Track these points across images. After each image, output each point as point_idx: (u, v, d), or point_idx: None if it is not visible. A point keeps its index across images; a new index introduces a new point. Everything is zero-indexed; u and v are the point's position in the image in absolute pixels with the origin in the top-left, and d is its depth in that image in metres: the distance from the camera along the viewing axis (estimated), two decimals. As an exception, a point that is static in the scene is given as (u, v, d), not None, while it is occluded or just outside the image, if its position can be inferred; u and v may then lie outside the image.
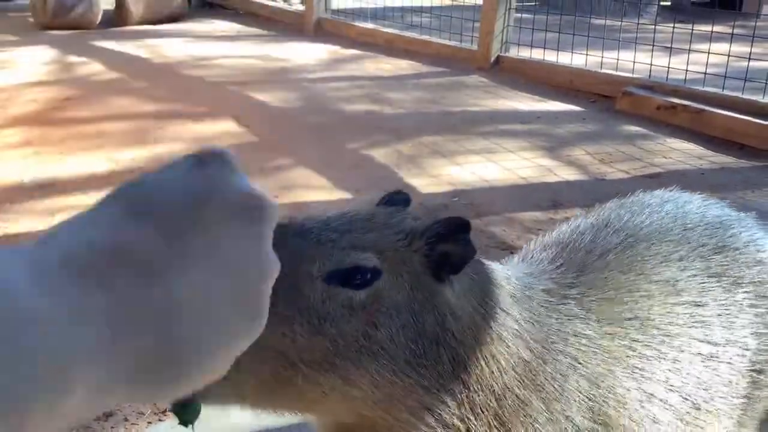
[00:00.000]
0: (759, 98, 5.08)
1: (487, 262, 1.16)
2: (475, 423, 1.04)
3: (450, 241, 1.00)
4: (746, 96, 5.13)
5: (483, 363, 1.04)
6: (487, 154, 4.72)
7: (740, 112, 4.95)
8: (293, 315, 0.91)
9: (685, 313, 1.29)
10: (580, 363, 1.14)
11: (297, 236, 0.96)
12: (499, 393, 1.05)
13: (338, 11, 9.26)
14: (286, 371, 0.92)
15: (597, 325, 1.20)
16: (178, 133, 5.11)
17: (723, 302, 1.33)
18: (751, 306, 1.36)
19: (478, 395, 1.03)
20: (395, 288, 0.98)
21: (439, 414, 1.01)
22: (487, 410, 1.05)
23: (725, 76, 5.25)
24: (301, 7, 9.62)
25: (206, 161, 0.62)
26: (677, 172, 4.37)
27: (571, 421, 1.12)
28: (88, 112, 5.58)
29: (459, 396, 1.02)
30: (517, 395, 1.07)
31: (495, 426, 1.05)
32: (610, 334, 1.20)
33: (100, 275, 0.50)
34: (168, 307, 0.52)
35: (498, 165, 4.51)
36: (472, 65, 7.05)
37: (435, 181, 4.27)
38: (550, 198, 4.01)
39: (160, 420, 2.32)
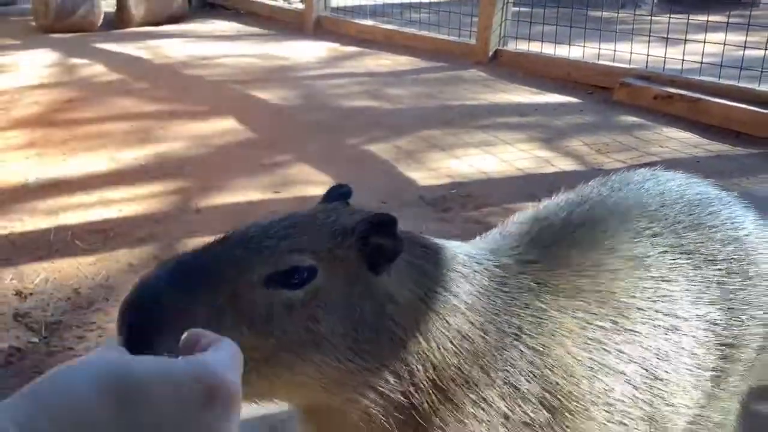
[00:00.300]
0: (755, 86, 5.10)
1: (439, 243, 1.24)
2: (418, 396, 1.12)
3: (380, 235, 1.08)
4: (742, 84, 5.16)
5: (421, 340, 1.12)
6: (485, 147, 4.76)
7: (736, 101, 4.98)
8: (237, 319, 1.01)
9: (651, 288, 1.33)
10: (525, 333, 1.20)
11: (237, 247, 1.06)
12: (439, 366, 1.13)
13: (338, 9, 9.31)
14: None
15: (551, 298, 1.25)
16: (179, 132, 5.17)
17: (692, 278, 1.37)
18: (723, 282, 1.40)
19: (419, 370, 1.12)
20: (332, 284, 1.07)
21: (383, 391, 1.11)
22: (427, 382, 1.13)
23: (721, 65, 5.27)
24: (300, 6, 9.67)
25: (214, 402, 0.64)
26: (673, 161, 4.40)
27: (515, 388, 1.17)
28: (90, 113, 5.64)
29: (400, 373, 1.11)
30: (456, 366, 1.14)
31: (436, 396, 1.13)
32: (564, 306, 1.26)
33: None
34: None
35: (496, 157, 4.55)
36: (471, 59, 7.09)
37: (434, 174, 4.32)
38: (547, 189, 4.02)
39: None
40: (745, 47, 5.20)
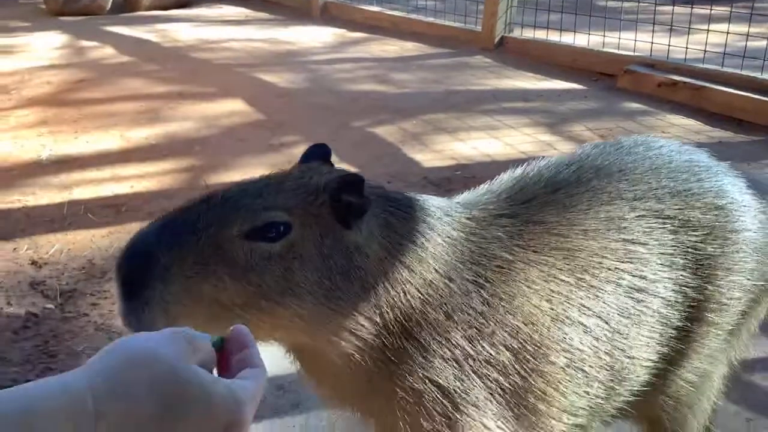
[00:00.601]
0: (757, 75, 5.15)
1: (410, 197, 1.35)
2: (389, 338, 1.25)
3: (349, 193, 1.21)
4: (745, 73, 5.21)
5: (389, 287, 1.24)
6: (489, 131, 4.83)
7: (739, 89, 5.03)
8: (222, 269, 1.15)
9: (621, 249, 1.40)
10: (489, 282, 1.31)
11: (218, 206, 1.20)
12: (406, 311, 1.25)
13: (345, -5, 9.36)
14: (223, 312, 1.16)
15: (519, 250, 1.35)
16: (188, 113, 5.25)
17: (666, 242, 1.43)
18: (699, 248, 1.45)
19: (389, 314, 1.24)
20: (305, 237, 1.20)
21: (357, 334, 1.23)
22: (396, 326, 1.25)
23: (724, 54, 5.33)
24: (308, -8, 9.72)
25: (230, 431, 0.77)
26: (675, 146, 4.46)
27: (478, 330, 1.28)
28: (100, 93, 5.73)
29: (372, 317, 1.23)
30: (421, 311, 1.26)
31: (405, 338, 1.25)
32: (531, 259, 1.35)
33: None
34: None
35: (499, 141, 4.63)
36: (477, 46, 7.14)
37: (438, 156, 4.39)
38: (549, 171, 4.12)
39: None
40: (748, 37, 5.25)
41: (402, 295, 1.25)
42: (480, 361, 1.28)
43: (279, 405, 2.25)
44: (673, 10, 5.81)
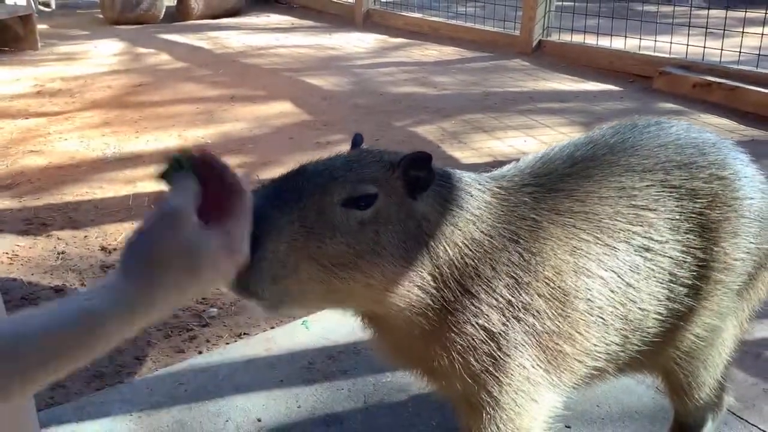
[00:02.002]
0: (793, 75, 5.24)
1: (450, 172, 1.55)
2: (446, 290, 1.46)
3: (417, 169, 1.40)
4: (780, 73, 5.30)
5: (447, 248, 1.45)
6: (526, 130, 5.02)
7: (774, 89, 5.12)
8: (323, 231, 1.33)
9: (632, 214, 1.60)
10: (522, 238, 1.52)
11: (316, 176, 1.37)
12: (460, 267, 1.46)
13: (386, 3, 9.64)
14: (322, 273, 1.34)
15: (544, 212, 1.56)
16: (240, 114, 5.57)
17: (673, 209, 1.62)
18: (704, 214, 1.63)
19: (447, 271, 1.45)
20: (387, 206, 1.39)
21: (424, 287, 1.44)
22: (453, 280, 1.46)
23: (759, 55, 5.41)
24: (351, 0, 10.02)
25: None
26: (708, 144, 4.58)
27: (516, 280, 1.49)
28: (158, 96, 6.09)
29: (435, 274, 1.44)
30: (472, 266, 1.47)
31: (458, 290, 1.46)
32: (555, 220, 1.56)
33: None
34: None
35: (535, 139, 4.81)
36: (515, 50, 7.33)
37: (475, 153, 4.60)
38: (583, 167, 4.29)
39: (235, 341, 2.74)
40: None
41: (457, 253, 1.46)
42: (518, 308, 1.49)
43: (330, 372, 2.49)
44: (708, 13, 5.92)
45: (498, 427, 1.55)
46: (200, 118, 5.48)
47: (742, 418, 2.19)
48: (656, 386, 2.25)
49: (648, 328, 1.62)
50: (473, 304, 1.47)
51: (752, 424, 2.17)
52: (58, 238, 3.61)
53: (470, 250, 1.47)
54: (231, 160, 4.60)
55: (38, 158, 4.72)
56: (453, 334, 1.47)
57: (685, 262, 1.62)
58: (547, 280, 1.52)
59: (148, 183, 4.28)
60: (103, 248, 3.53)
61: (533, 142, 4.77)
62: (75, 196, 4.12)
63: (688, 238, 1.62)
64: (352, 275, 1.36)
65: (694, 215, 1.63)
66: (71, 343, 0.92)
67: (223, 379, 2.47)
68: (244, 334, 2.79)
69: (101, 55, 7.74)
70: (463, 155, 4.58)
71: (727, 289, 1.68)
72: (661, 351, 1.71)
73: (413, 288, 1.43)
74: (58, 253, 3.46)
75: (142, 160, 4.64)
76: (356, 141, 1.62)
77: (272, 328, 2.79)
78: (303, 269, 1.31)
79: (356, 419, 2.27)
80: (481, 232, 1.49)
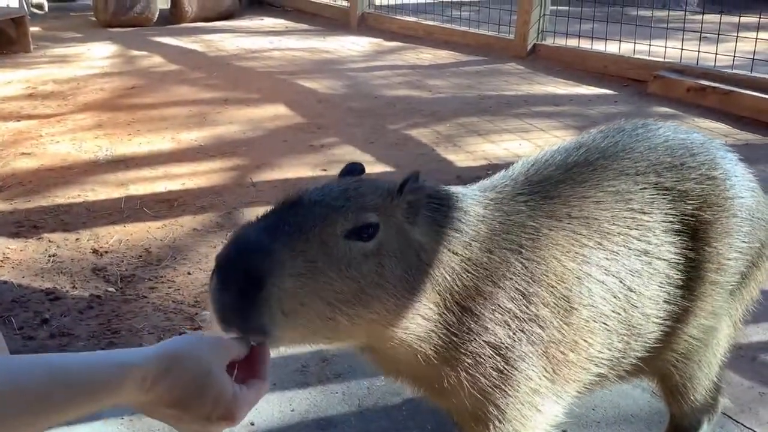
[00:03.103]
0: (787, 79, 5.25)
1: (448, 190, 1.51)
2: (448, 314, 1.42)
3: (415, 192, 1.36)
4: (774, 77, 5.31)
5: (447, 275, 1.41)
6: (520, 133, 5.02)
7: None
8: (328, 266, 1.26)
9: (629, 218, 1.58)
10: (522, 248, 1.48)
11: (315, 205, 1.30)
12: (460, 291, 1.42)
13: (381, 6, 9.64)
14: (327, 310, 1.27)
15: (543, 219, 1.53)
16: (233, 117, 5.55)
17: (667, 211, 1.61)
18: (696, 215, 1.62)
19: (447, 296, 1.41)
20: (388, 236, 1.34)
21: (426, 316, 1.39)
22: (454, 305, 1.42)
23: (753, 59, 5.43)
24: (345, 3, 10.02)
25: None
26: (702, 148, 4.58)
27: (521, 293, 1.46)
28: (151, 99, 6.06)
29: (436, 300, 1.40)
30: (472, 287, 1.43)
31: (460, 312, 1.42)
32: (555, 226, 1.53)
33: None
34: None
35: (530, 142, 4.81)
36: (509, 54, 7.33)
37: (470, 157, 4.59)
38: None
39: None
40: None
41: (455, 278, 1.41)
42: (524, 319, 1.46)
43: (323, 375, 2.47)
44: (702, 18, 5.93)
45: None
46: (193, 121, 5.45)
47: (738, 422, 2.18)
48: (652, 390, 2.24)
49: (648, 332, 1.61)
50: (477, 323, 1.43)
51: (748, 428, 2.16)
52: (50, 241, 3.57)
53: (469, 272, 1.43)
54: (225, 163, 4.59)
55: (30, 161, 4.68)
56: (460, 354, 1.43)
57: (679, 263, 1.61)
58: (551, 289, 1.49)
59: (140, 185, 4.25)
60: (94, 251, 3.49)
61: (528, 145, 4.76)
62: (67, 199, 4.08)
63: (681, 239, 1.61)
64: (356, 311, 1.29)
65: (687, 217, 1.62)
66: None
67: (216, 383, 2.44)
68: (237, 337, 2.76)
69: (94, 57, 7.70)
70: (458, 158, 4.57)
71: (721, 290, 1.68)
72: (659, 355, 1.70)
73: (416, 318, 1.38)
74: (50, 256, 3.42)
75: (135, 163, 4.61)
76: (351, 169, 1.52)
77: (265, 331, 2.76)
78: (309, 305, 1.24)
79: (350, 423, 2.25)
80: (480, 250, 1.45)
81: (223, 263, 1.21)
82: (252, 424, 2.24)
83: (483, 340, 1.43)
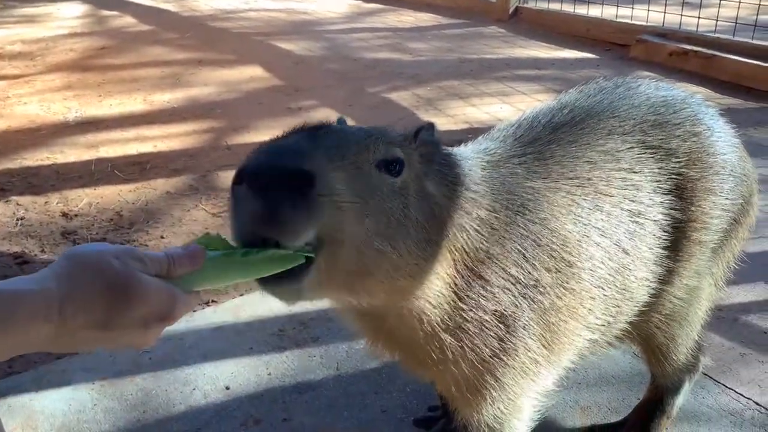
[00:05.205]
0: (767, 43, 5.21)
1: (451, 149, 1.44)
2: (456, 274, 1.34)
3: (424, 144, 1.29)
4: (756, 41, 5.27)
5: (458, 233, 1.33)
6: (502, 96, 4.94)
7: (749, 57, 5.09)
8: (363, 189, 1.14)
9: (621, 178, 1.54)
10: (525, 208, 1.42)
11: (346, 132, 1.21)
12: (471, 252, 1.36)
13: (360, -33, 9.41)
14: (363, 234, 1.13)
15: (540, 180, 1.47)
16: (208, 79, 5.39)
17: (655, 170, 1.57)
18: (682, 173, 1.58)
19: (458, 259, 1.34)
20: (411, 179, 1.25)
21: (441, 276, 1.32)
22: (464, 268, 1.35)
23: (736, 24, 5.38)
24: (323, -36, 9.77)
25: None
26: (684, 112, 4.55)
27: (524, 256, 1.40)
28: (123, 59, 5.88)
29: (449, 261, 1.33)
30: (483, 249, 1.36)
31: (469, 277, 1.36)
32: (553, 187, 1.48)
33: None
34: None
35: (511, 106, 4.74)
36: (491, 17, 7.21)
37: (451, 120, 4.51)
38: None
39: (203, 308, 2.64)
40: (759, 8, 5.30)
41: (466, 238, 1.34)
42: (526, 285, 1.40)
43: (301, 338, 2.41)
44: (686, -21, 5.85)
45: (500, 409, 1.48)
46: (166, 82, 5.29)
47: (719, 382, 2.17)
48: (633, 351, 2.22)
49: (639, 296, 1.57)
50: (485, 289, 1.37)
51: (729, 388, 2.15)
52: (17, 204, 3.45)
53: (480, 233, 1.36)
54: (199, 125, 4.47)
55: (-4, 122, 4.52)
56: (465, 322, 1.37)
57: (667, 223, 1.57)
58: (552, 252, 1.43)
59: (110, 148, 4.12)
60: (64, 214, 3.39)
61: (509, 108, 4.69)
62: (35, 161, 3.95)
63: (669, 199, 1.57)
64: (383, 247, 1.16)
65: (674, 175, 1.58)
66: None
67: (190, 347, 2.38)
68: (212, 301, 2.69)
69: (64, 17, 7.44)
70: (439, 122, 4.48)
71: (705, 249, 1.65)
72: (644, 317, 1.66)
73: (432, 278, 1.30)
74: (18, 219, 3.31)
75: (106, 125, 4.47)
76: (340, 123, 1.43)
77: (241, 295, 2.70)
78: (348, 227, 1.10)
79: (328, 386, 2.20)
80: (487, 210, 1.38)
81: (264, 162, 1.04)
82: (227, 388, 2.18)
83: (489, 308, 1.37)
